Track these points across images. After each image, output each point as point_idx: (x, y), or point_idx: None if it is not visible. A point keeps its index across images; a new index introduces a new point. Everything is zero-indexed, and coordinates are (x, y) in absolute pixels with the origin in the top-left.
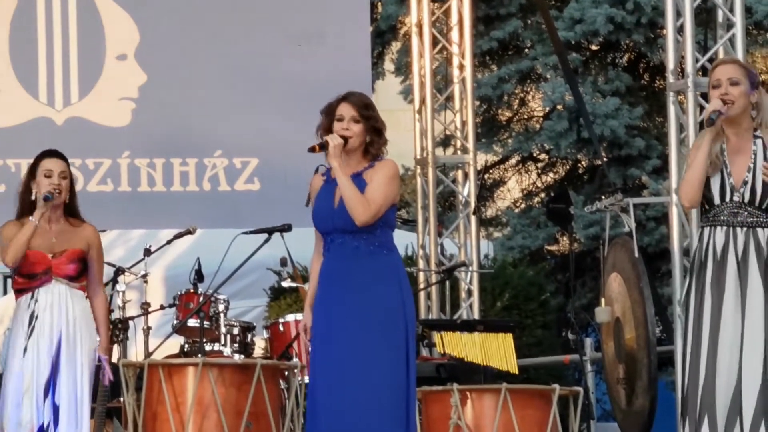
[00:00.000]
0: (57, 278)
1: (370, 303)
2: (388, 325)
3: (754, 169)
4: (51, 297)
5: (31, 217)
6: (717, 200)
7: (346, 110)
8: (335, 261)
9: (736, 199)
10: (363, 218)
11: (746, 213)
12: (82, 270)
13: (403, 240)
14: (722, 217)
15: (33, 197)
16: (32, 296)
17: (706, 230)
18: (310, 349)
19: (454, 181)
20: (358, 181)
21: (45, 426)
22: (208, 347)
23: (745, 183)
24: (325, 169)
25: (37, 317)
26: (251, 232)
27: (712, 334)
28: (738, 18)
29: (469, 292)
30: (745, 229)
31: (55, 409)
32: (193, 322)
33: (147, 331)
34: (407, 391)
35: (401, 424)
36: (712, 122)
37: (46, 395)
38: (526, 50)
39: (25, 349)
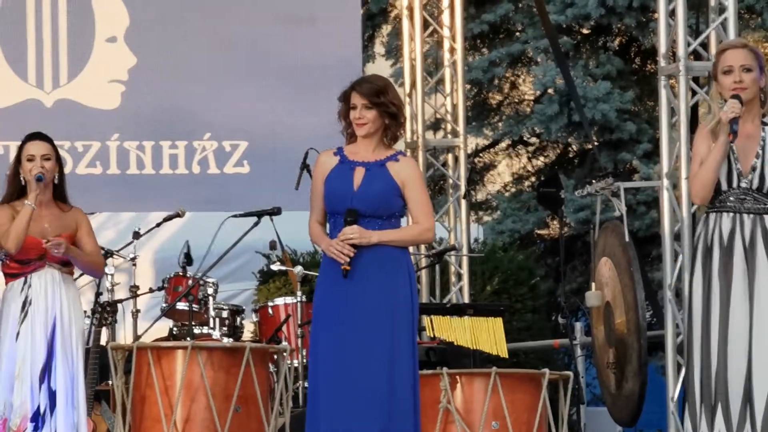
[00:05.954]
0: (50, 264)
1: (389, 292)
2: (405, 315)
3: (763, 156)
4: (44, 282)
5: (26, 201)
6: (724, 186)
7: (357, 99)
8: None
9: (743, 185)
10: (431, 234)
11: (753, 199)
12: None
13: None
14: (729, 203)
15: (22, 182)
16: (25, 281)
17: (712, 216)
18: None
19: (444, 164)
20: (382, 170)
21: (41, 411)
22: (197, 330)
23: (754, 169)
24: (336, 148)
25: (30, 302)
26: (240, 216)
27: (722, 323)
28: (730, 2)
29: (459, 276)
30: (752, 215)
31: (52, 394)
32: (182, 306)
33: (136, 314)
34: (415, 380)
35: (409, 414)
36: (735, 134)
37: (42, 380)
38: (517, 34)
39: (18, 334)
